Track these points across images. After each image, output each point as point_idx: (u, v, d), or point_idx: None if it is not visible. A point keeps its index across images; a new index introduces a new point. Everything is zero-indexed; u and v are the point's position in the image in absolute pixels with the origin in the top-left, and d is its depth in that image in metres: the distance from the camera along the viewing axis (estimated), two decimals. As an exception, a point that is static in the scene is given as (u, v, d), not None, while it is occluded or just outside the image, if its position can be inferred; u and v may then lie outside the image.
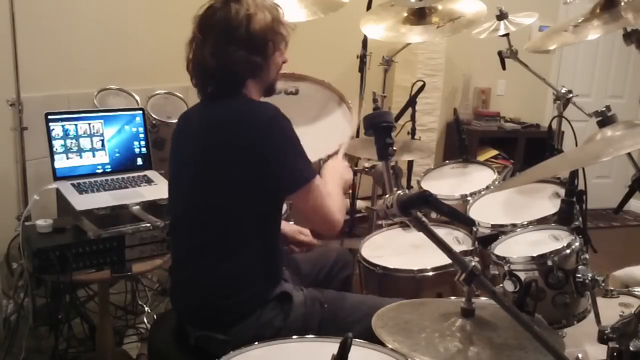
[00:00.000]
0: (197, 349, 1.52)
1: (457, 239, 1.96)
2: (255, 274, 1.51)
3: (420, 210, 1.06)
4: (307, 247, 1.88)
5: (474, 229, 1.79)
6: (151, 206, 2.05)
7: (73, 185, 2.08)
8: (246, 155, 1.46)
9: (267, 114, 1.48)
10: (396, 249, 1.98)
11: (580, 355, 1.50)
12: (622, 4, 1.64)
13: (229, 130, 1.49)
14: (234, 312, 1.48)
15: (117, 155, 2.25)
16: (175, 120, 2.65)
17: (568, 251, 1.50)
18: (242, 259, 1.49)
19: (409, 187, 3.08)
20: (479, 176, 2.29)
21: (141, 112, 2.34)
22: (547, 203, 1.93)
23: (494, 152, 4.42)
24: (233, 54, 1.48)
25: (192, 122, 1.61)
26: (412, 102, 2.60)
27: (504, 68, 2.57)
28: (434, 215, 2.03)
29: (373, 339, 1.14)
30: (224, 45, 1.48)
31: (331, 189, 1.61)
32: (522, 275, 1.51)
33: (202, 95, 1.60)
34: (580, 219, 1.67)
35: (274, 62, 1.60)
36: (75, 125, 2.17)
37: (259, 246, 1.51)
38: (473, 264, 1.03)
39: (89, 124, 2.20)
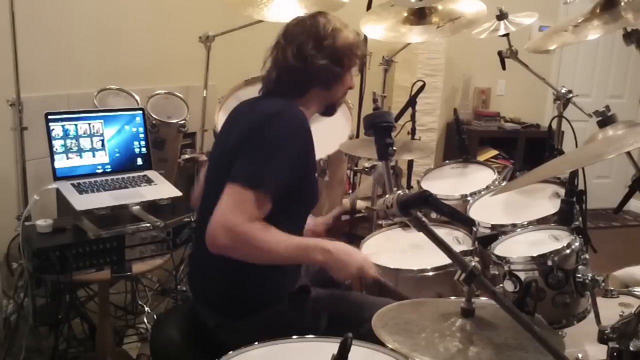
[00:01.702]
0: (202, 344, 1.52)
1: (457, 239, 1.96)
2: (277, 265, 1.50)
3: (420, 210, 1.06)
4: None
5: (474, 229, 1.79)
6: (151, 206, 2.05)
7: (73, 185, 2.08)
8: (239, 145, 1.48)
9: (274, 109, 1.51)
10: (396, 249, 1.98)
11: (580, 355, 1.50)
12: (622, 4, 1.64)
13: (240, 122, 1.55)
14: (252, 302, 1.50)
15: (117, 155, 2.25)
16: (175, 121, 2.66)
17: (568, 251, 1.50)
18: None
19: (409, 187, 3.08)
20: (479, 176, 2.29)
21: (141, 112, 2.34)
22: (547, 203, 1.93)
23: (494, 152, 4.42)
24: (315, 58, 1.55)
25: (241, 113, 1.64)
26: (412, 102, 2.60)
27: (504, 68, 2.57)
28: (434, 215, 2.03)
29: (373, 338, 1.14)
30: (309, 49, 1.55)
31: (276, 236, 1.43)
32: (522, 275, 1.51)
33: (263, 90, 1.65)
34: (580, 219, 1.67)
35: (344, 81, 1.65)
36: (75, 125, 2.17)
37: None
38: (473, 264, 1.03)
39: (89, 124, 2.19)
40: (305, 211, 1.67)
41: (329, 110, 1.71)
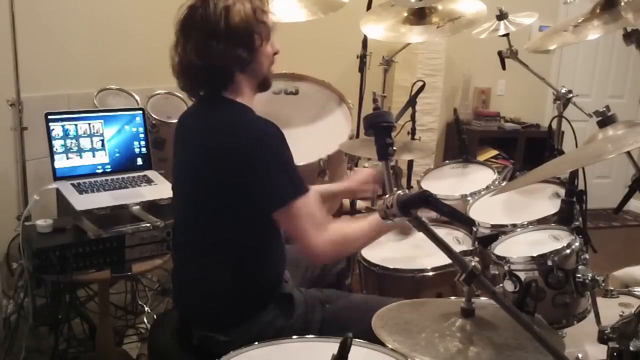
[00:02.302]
0: (198, 349, 1.53)
1: (457, 239, 1.96)
2: (257, 276, 1.51)
3: (420, 210, 1.06)
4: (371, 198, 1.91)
5: (474, 229, 1.79)
6: (151, 206, 2.05)
7: (73, 185, 2.08)
8: (230, 169, 1.44)
9: (258, 130, 1.46)
10: (396, 249, 1.98)
11: (580, 355, 1.50)
12: (622, 4, 1.64)
13: (219, 141, 1.47)
14: (235, 314, 1.49)
15: (117, 155, 2.25)
16: (175, 120, 2.66)
17: (568, 251, 1.50)
18: (243, 261, 1.49)
19: (409, 187, 3.08)
20: (479, 176, 2.29)
21: (141, 112, 2.34)
22: (547, 203, 1.92)
23: (494, 152, 4.42)
24: (215, 49, 1.44)
25: (189, 124, 1.60)
26: (412, 102, 2.59)
27: (504, 68, 2.57)
28: (434, 215, 2.03)
29: (373, 338, 1.14)
30: (206, 42, 1.45)
31: (351, 228, 1.53)
32: (522, 275, 1.51)
33: (194, 98, 1.59)
34: (580, 219, 1.67)
35: (264, 54, 1.54)
36: (75, 125, 2.17)
37: (260, 249, 1.52)
38: (473, 264, 1.03)
39: (89, 124, 2.19)
40: None
41: (263, 86, 1.61)
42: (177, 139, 1.64)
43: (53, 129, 2.12)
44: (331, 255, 1.54)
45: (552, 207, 1.84)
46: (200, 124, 1.54)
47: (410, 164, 3.10)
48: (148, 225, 1.99)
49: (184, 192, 1.60)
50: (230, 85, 1.51)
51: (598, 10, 1.70)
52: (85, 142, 2.18)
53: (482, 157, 4.23)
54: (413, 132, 2.76)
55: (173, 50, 1.53)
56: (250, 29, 1.48)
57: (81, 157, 2.17)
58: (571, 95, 2.32)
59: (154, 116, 2.58)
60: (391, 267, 1.80)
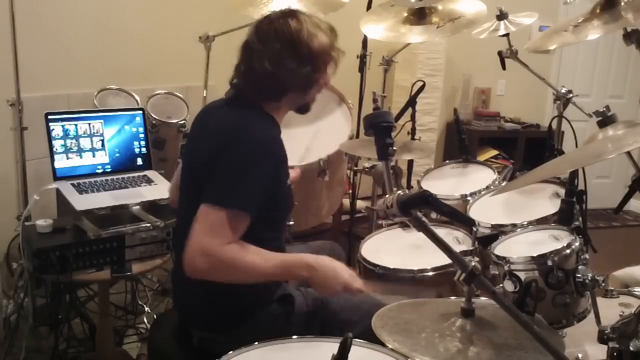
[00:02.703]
0: (198, 349, 1.53)
1: (457, 239, 1.96)
2: None
3: (420, 210, 1.06)
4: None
5: (474, 229, 1.79)
6: (151, 206, 2.05)
7: (73, 185, 2.08)
8: (209, 165, 1.44)
9: (242, 124, 1.47)
10: (396, 249, 1.98)
11: (580, 355, 1.50)
12: (622, 4, 1.64)
13: (208, 134, 1.50)
14: (235, 315, 1.49)
15: (117, 155, 2.25)
16: (175, 121, 2.66)
17: (568, 251, 1.50)
18: None
19: (409, 187, 3.08)
20: (479, 176, 2.29)
21: (141, 112, 2.34)
22: (547, 203, 1.92)
23: (494, 152, 4.42)
24: (293, 66, 1.51)
25: (209, 121, 1.59)
26: (412, 102, 2.60)
27: (504, 68, 2.57)
28: (434, 215, 2.03)
29: (373, 338, 1.14)
30: (286, 58, 1.50)
31: (255, 254, 1.41)
32: (522, 275, 1.51)
33: (231, 94, 1.60)
34: (580, 219, 1.67)
35: (320, 84, 1.62)
36: (75, 125, 2.17)
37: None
38: (473, 264, 1.03)
39: (89, 124, 2.20)
40: (283, 217, 1.66)
41: (303, 109, 1.67)
42: (192, 132, 1.65)
43: (53, 129, 2.12)
44: (201, 270, 1.36)
45: (552, 207, 1.84)
46: (220, 122, 1.54)
47: (410, 164, 3.10)
48: (148, 225, 1.99)
49: (186, 190, 1.60)
50: (281, 100, 1.56)
51: (598, 10, 1.70)
52: (85, 142, 2.18)
53: (482, 157, 4.24)
54: (413, 132, 2.76)
55: (241, 49, 1.58)
56: (324, 59, 1.56)
57: (81, 157, 2.17)
58: (571, 95, 2.32)
59: (154, 116, 2.58)
60: (391, 267, 1.80)
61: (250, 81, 1.55)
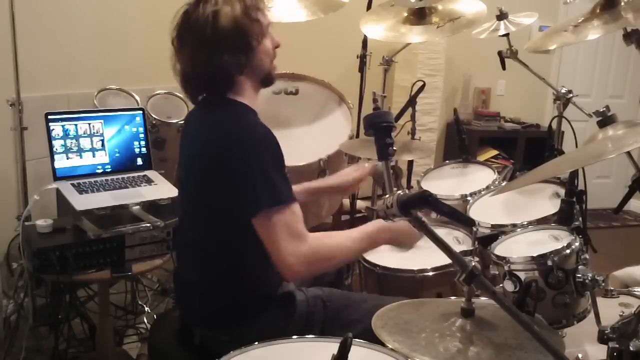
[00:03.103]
0: (199, 348, 1.53)
1: (457, 239, 1.96)
2: (258, 276, 1.51)
3: (420, 210, 1.06)
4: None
5: (474, 229, 1.79)
6: (151, 206, 2.05)
7: (73, 185, 2.08)
8: (219, 170, 1.42)
9: (226, 130, 1.44)
10: (396, 249, 1.98)
11: (580, 355, 1.50)
12: (622, 4, 1.64)
13: (213, 141, 1.45)
14: (236, 313, 1.49)
15: (117, 155, 2.25)
16: (175, 121, 2.66)
17: (568, 251, 1.50)
18: (244, 261, 1.49)
19: (409, 187, 3.08)
20: (479, 176, 2.29)
21: (141, 112, 2.34)
22: (547, 203, 1.92)
23: (494, 152, 4.42)
24: (208, 56, 1.41)
25: (192, 125, 1.60)
26: (412, 102, 2.60)
27: (504, 68, 2.57)
28: (434, 215, 2.03)
29: (374, 338, 1.14)
30: (198, 50, 1.42)
31: (331, 244, 1.45)
32: (522, 275, 1.51)
33: (195, 102, 1.59)
34: (580, 219, 1.67)
35: (262, 52, 1.50)
36: (75, 125, 2.17)
37: (260, 249, 1.52)
38: (473, 264, 1.03)
39: (89, 124, 2.19)
40: None
41: (266, 82, 1.58)
42: (182, 139, 1.65)
43: (53, 129, 2.12)
44: (302, 272, 1.40)
45: (552, 207, 1.84)
46: (201, 125, 1.53)
47: (410, 164, 3.10)
48: (148, 225, 1.99)
49: (185, 192, 1.61)
50: (232, 87, 1.49)
51: (598, 10, 1.70)
52: (85, 142, 2.18)
53: (482, 157, 4.24)
54: (413, 132, 2.76)
55: (174, 58, 1.51)
56: (243, 30, 1.43)
57: (81, 157, 2.17)
58: (571, 95, 2.32)
59: (154, 116, 2.58)
60: (391, 267, 1.80)
61: (194, 87, 1.50)
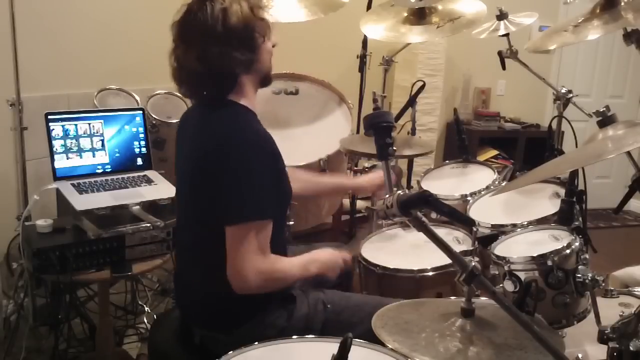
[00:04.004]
0: (199, 348, 1.53)
1: (457, 239, 1.96)
2: None
3: (420, 210, 1.06)
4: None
5: (474, 229, 1.79)
6: (151, 206, 2.05)
7: (73, 185, 2.08)
8: (212, 171, 1.42)
9: (223, 132, 1.44)
10: (396, 249, 1.98)
11: (580, 355, 1.50)
12: (622, 4, 1.64)
13: (210, 142, 1.45)
14: (237, 314, 1.49)
15: (117, 155, 2.25)
16: (175, 121, 2.66)
17: (568, 251, 1.50)
18: None
19: (409, 187, 3.08)
20: (479, 176, 2.29)
21: (141, 112, 2.34)
22: (547, 203, 1.92)
23: (494, 152, 4.42)
24: (217, 54, 1.42)
25: (189, 124, 1.59)
26: (412, 102, 2.60)
27: (504, 68, 2.57)
28: (434, 215, 2.03)
29: (374, 339, 1.14)
30: (207, 47, 1.42)
31: (284, 264, 1.49)
32: (522, 275, 1.51)
33: (195, 100, 1.59)
34: (580, 219, 1.67)
35: (265, 51, 1.52)
36: (75, 125, 2.17)
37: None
38: (473, 264, 1.03)
39: (89, 124, 2.19)
40: (284, 208, 1.65)
41: (266, 81, 1.59)
42: (178, 139, 1.64)
43: (53, 129, 2.12)
44: (254, 289, 1.41)
45: (552, 207, 1.84)
46: (200, 125, 1.53)
47: (410, 164, 3.10)
48: (148, 225, 1.99)
49: (183, 192, 1.61)
50: (235, 87, 1.49)
51: (598, 10, 1.70)
52: (85, 142, 2.18)
53: (482, 157, 4.23)
54: (413, 132, 2.76)
55: (171, 56, 1.50)
56: (251, 28, 1.45)
57: (81, 157, 2.17)
58: (571, 95, 2.32)
59: (154, 116, 2.58)
60: (391, 267, 1.80)
61: (196, 85, 1.50)
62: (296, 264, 1.52)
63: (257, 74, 1.54)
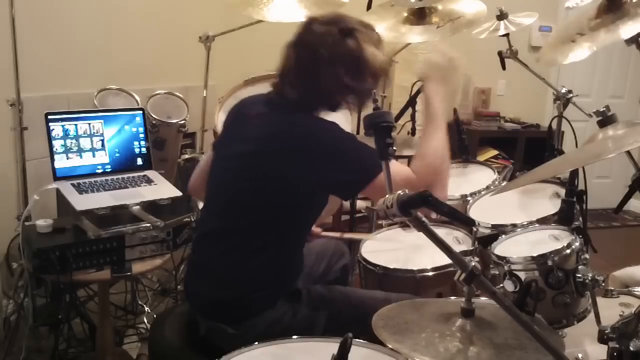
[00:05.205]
0: (200, 345, 1.53)
1: (457, 239, 1.96)
2: (274, 275, 1.52)
3: (420, 210, 1.05)
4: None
5: (474, 229, 1.79)
6: (151, 206, 2.05)
7: (73, 185, 2.08)
8: (299, 165, 1.46)
9: (317, 126, 1.52)
10: (396, 249, 1.98)
11: (580, 355, 1.50)
12: (626, 2, 1.62)
13: (299, 130, 1.51)
14: (245, 307, 1.49)
15: (117, 155, 2.25)
16: (175, 121, 2.66)
17: (568, 251, 1.50)
18: (264, 259, 1.50)
19: (409, 187, 3.07)
20: (479, 176, 2.29)
21: (141, 112, 2.34)
22: (547, 203, 1.92)
23: (494, 152, 4.42)
24: (356, 86, 1.52)
25: (252, 118, 1.58)
26: (412, 102, 2.59)
27: (504, 68, 2.57)
28: (434, 215, 2.02)
29: (374, 338, 1.14)
30: (344, 76, 1.51)
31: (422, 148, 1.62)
32: (522, 275, 1.51)
33: (279, 99, 1.58)
34: (581, 219, 1.67)
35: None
36: (75, 125, 2.17)
37: (283, 249, 1.53)
38: (473, 264, 1.03)
39: (89, 124, 2.19)
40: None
41: (333, 108, 1.66)
42: (232, 127, 1.64)
43: (53, 129, 2.12)
44: (425, 175, 1.57)
45: (552, 207, 1.84)
46: (277, 117, 1.55)
47: (410, 164, 3.10)
48: (148, 225, 1.99)
49: (223, 180, 1.59)
50: (332, 110, 1.60)
51: (602, 13, 1.67)
52: (85, 142, 2.18)
53: (482, 157, 4.23)
54: (413, 132, 2.76)
55: (291, 49, 1.55)
56: (383, 75, 1.59)
57: (81, 157, 2.17)
58: (571, 95, 2.32)
59: (154, 116, 2.58)
60: (391, 267, 1.80)
61: (311, 92, 1.54)
62: (428, 133, 1.63)
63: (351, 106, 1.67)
